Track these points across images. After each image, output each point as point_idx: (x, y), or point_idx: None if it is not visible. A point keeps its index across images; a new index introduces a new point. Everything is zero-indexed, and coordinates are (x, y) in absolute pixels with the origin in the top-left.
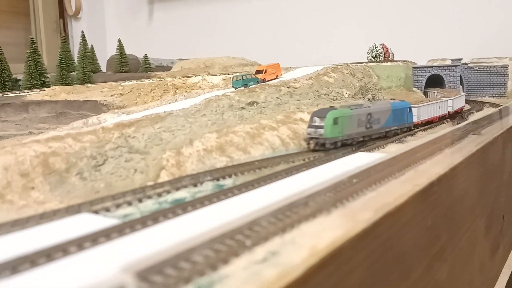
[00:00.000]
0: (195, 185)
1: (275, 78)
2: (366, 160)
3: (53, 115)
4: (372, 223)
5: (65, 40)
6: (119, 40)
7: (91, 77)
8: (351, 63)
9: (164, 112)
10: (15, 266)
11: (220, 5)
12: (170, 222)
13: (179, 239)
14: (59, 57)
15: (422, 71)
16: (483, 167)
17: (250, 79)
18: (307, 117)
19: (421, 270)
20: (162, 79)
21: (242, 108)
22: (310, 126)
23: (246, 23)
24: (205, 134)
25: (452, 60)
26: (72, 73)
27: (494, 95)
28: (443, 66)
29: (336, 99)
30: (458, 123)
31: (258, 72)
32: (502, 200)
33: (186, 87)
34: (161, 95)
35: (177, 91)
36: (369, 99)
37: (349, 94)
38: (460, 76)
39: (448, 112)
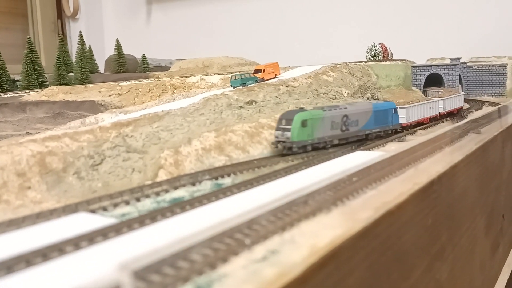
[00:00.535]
0: (193, 184)
1: (274, 77)
2: (365, 159)
3: (50, 115)
4: (372, 222)
5: (63, 41)
6: (117, 41)
7: (89, 78)
8: (350, 62)
9: (162, 111)
10: (10, 266)
11: (218, 5)
12: (168, 221)
13: (177, 238)
14: (57, 57)
15: (421, 70)
16: (483, 166)
17: (248, 78)
18: None
19: (422, 269)
20: (160, 79)
21: (241, 107)
22: (277, 129)
23: (244, 23)
24: (203, 133)
25: (451, 59)
26: (70, 74)
27: (493, 94)
28: (442, 65)
29: (335, 98)
30: (457, 122)
31: (256, 71)
32: (502, 198)
33: (185, 87)
34: (159, 95)
35: (175, 91)
36: (368, 98)
37: (348, 93)
38: (459, 75)
39: (440, 113)
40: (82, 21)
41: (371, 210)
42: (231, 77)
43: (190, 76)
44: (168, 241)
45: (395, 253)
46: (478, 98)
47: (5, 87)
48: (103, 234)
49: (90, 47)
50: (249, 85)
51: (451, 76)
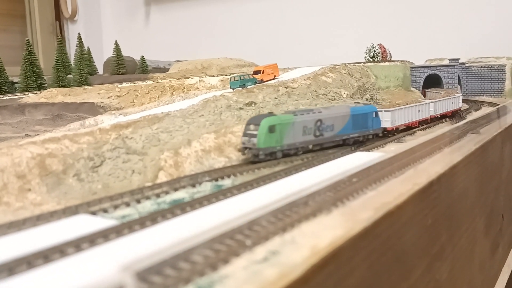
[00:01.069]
0: (193, 186)
1: (273, 79)
2: (365, 159)
3: (49, 117)
4: (372, 222)
5: (62, 43)
6: (116, 42)
7: (87, 79)
8: (349, 63)
9: (162, 113)
10: (12, 267)
11: (217, 6)
12: (168, 222)
13: (178, 239)
14: (56, 59)
15: (420, 71)
16: (482, 166)
17: (248, 79)
18: None
19: (422, 269)
20: (159, 81)
21: (240, 108)
22: (244, 134)
23: (242, 24)
24: (203, 135)
25: (450, 59)
26: (69, 75)
27: (492, 94)
28: (441, 66)
29: (334, 99)
30: (456, 122)
31: (256, 72)
32: (501, 199)
33: (184, 88)
34: (158, 97)
35: (174, 92)
36: (367, 99)
37: (347, 94)
38: (458, 76)
39: (430, 116)
40: (80, 22)
41: (371, 210)
42: (230, 78)
43: (189, 78)
44: (169, 242)
45: (395, 253)
46: (477, 98)
47: (3, 89)
48: (104, 235)
49: (88, 49)
50: (248, 87)
51: (450, 77)
